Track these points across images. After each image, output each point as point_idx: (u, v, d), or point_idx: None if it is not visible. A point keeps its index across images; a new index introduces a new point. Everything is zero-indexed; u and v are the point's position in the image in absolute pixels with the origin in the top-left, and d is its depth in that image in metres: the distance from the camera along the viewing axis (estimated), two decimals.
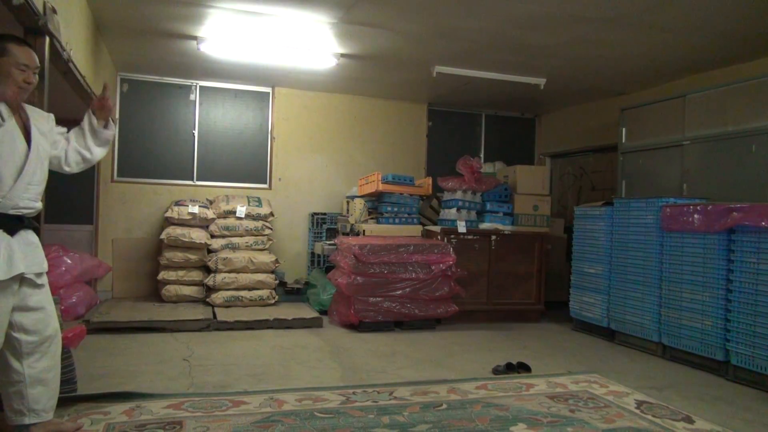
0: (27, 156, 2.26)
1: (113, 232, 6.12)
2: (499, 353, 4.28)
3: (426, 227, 5.77)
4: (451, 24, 4.31)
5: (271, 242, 5.99)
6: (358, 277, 4.88)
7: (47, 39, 2.85)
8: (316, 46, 4.96)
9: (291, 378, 3.53)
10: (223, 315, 5.06)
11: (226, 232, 5.80)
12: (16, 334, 2.28)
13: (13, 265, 2.18)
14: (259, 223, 5.92)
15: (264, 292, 5.70)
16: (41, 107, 2.83)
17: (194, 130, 6.39)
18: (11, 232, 2.22)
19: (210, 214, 5.78)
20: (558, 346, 4.65)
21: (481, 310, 5.54)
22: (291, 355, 4.09)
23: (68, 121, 6.14)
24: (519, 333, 5.12)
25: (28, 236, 2.32)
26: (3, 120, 2.18)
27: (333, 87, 6.56)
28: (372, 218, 5.77)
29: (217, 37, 4.79)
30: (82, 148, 2.62)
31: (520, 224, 5.66)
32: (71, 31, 3.53)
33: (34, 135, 2.30)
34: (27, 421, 2.34)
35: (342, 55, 5.18)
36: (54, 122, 2.53)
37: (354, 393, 3.22)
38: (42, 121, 2.42)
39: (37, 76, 2.35)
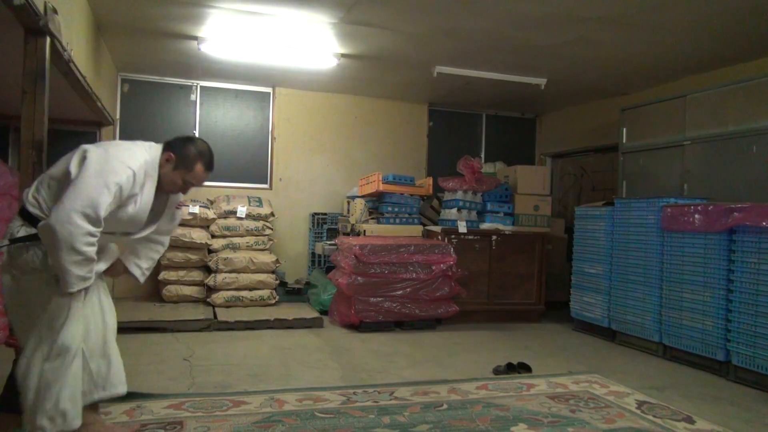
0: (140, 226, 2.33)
1: None
2: (500, 353, 4.28)
3: (426, 227, 5.77)
4: (451, 24, 4.31)
5: (271, 242, 5.99)
6: (359, 277, 4.88)
7: (48, 39, 2.85)
8: (317, 46, 4.96)
9: (291, 378, 3.53)
10: (223, 315, 5.07)
11: (226, 232, 5.80)
12: None
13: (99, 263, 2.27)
14: (260, 224, 5.92)
15: (264, 292, 5.70)
16: (42, 109, 2.83)
17: (195, 130, 6.39)
18: None
19: (210, 214, 5.78)
20: (558, 347, 4.65)
21: (482, 310, 5.54)
22: (291, 355, 4.09)
23: (69, 121, 6.12)
24: (520, 333, 5.12)
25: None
26: (136, 204, 2.19)
27: (334, 87, 6.56)
28: (372, 218, 5.77)
29: (218, 37, 4.79)
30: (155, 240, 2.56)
31: (520, 224, 5.66)
32: (72, 31, 3.53)
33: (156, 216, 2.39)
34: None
35: (342, 55, 5.18)
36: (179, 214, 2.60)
37: (355, 393, 3.22)
38: (172, 204, 2.50)
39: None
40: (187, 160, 2.25)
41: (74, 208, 1.95)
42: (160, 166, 2.21)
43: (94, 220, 1.99)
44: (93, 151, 2.10)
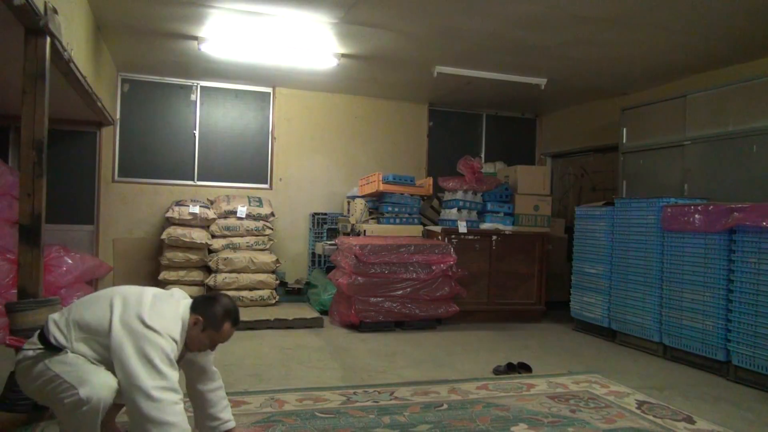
0: None
1: (114, 232, 6.12)
2: (500, 353, 4.28)
3: (427, 227, 5.77)
4: (451, 24, 4.31)
5: (271, 242, 5.99)
6: (359, 277, 4.88)
7: (48, 39, 2.85)
8: (317, 46, 4.96)
9: (292, 378, 3.53)
10: None
11: (226, 232, 5.80)
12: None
13: None
14: (260, 224, 5.92)
15: (265, 292, 5.70)
16: (42, 109, 2.83)
17: (195, 130, 6.39)
18: None
19: (211, 214, 5.78)
20: (559, 346, 4.65)
21: (482, 311, 5.54)
22: (292, 355, 4.09)
23: (69, 121, 6.12)
24: (520, 333, 5.12)
25: None
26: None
27: (334, 87, 6.56)
28: (373, 218, 5.77)
29: (218, 37, 4.79)
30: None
31: (520, 224, 5.66)
32: (72, 31, 3.53)
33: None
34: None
35: (343, 55, 5.18)
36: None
37: (355, 393, 3.22)
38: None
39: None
40: (215, 321, 2.22)
41: (152, 387, 1.95)
42: (188, 328, 2.20)
43: (174, 389, 2.01)
44: (138, 319, 2.07)
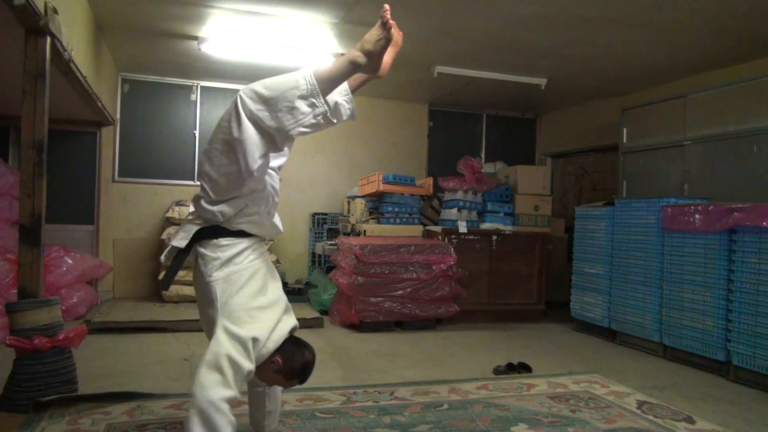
0: None
1: (114, 232, 6.12)
2: (500, 353, 4.28)
3: (427, 227, 5.77)
4: (451, 24, 4.31)
5: (271, 242, 5.99)
6: (359, 277, 4.88)
7: (48, 39, 2.85)
8: (317, 46, 4.96)
9: None
10: None
11: None
12: None
13: None
14: None
15: None
16: (42, 109, 2.84)
17: (195, 130, 6.39)
18: None
19: None
20: (559, 347, 4.65)
21: (482, 310, 5.54)
22: None
23: (69, 121, 6.11)
24: (520, 333, 5.12)
25: None
26: None
27: None
28: (373, 218, 5.77)
29: (218, 37, 4.79)
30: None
31: (521, 224, 5.66)
32: (72, 31, 3.53)
33: None
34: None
35: (342, 56, 5.17)
36: None
37: (355, 393, 3.22)
38: None
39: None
40: (289, 372, 2.16)
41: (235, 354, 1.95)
42: (264, 361, 2.10)
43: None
44: (266, 339, 2.06)
